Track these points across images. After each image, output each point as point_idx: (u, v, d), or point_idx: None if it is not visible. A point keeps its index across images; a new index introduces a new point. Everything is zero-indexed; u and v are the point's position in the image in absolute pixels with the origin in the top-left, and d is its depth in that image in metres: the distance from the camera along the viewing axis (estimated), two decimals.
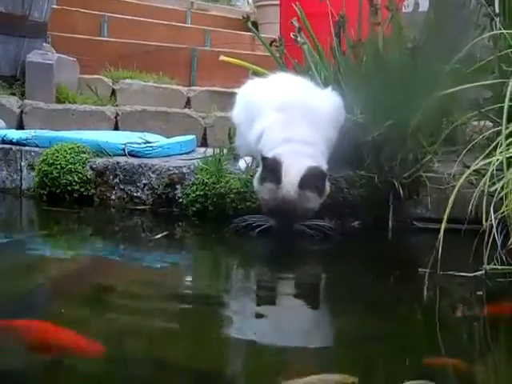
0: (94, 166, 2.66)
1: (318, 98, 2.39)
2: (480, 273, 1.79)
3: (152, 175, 2.58)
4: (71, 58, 4.15)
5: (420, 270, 1.85)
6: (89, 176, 2.64)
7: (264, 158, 2.17)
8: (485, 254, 1.75)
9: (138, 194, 2.60)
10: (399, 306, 1.72)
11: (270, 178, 2.14)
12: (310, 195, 2.15)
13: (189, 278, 1.99)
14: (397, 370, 1.27)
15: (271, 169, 2.14)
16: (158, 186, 2.56)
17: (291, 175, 2.13)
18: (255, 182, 2.23)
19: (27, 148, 2.88)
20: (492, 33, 2.39)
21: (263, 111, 2.34)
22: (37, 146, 2.89)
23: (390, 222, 2.37)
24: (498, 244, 1.77)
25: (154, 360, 1.27)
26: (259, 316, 1.61)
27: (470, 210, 1.88)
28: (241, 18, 4.69)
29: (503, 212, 1.79)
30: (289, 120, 2.28)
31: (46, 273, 1.93)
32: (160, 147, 2.87)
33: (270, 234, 2.16)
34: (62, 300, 1.66)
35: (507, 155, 1.84)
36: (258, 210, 2.26)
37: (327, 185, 2.21)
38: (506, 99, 1.90)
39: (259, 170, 2.21)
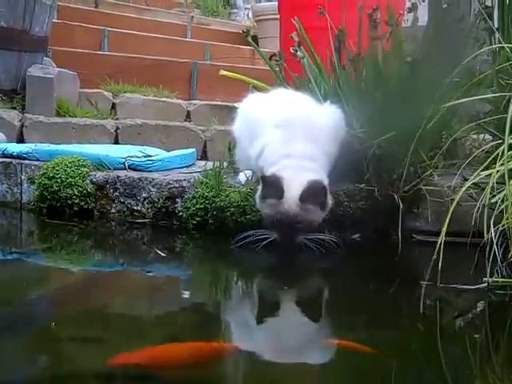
0: (95, 179, 2.67)
1: (317, 113, 2.40)
2: (482, 285, 1.79)
3: (152, 189, 2.58)
4: (71, 72, 4.16)
5: (422, 282, 1.86)
6: (89, 190, 2.65)
7: (263, 177, 2.19)
8: (487, 267, 1.75)
9: (138, 207, 2.60)
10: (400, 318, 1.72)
11: (272, 194, 2.15)
12: (311, 208, 2.15)
13: (188, 292, 1.99)
14: None
15: (272, 185, 2.16)
16: (158, 199, 2.56)
17: (292, 189, 2.14)
18: (257, 199, 2.24)
19: (27, 162, 2.88)
20: (491, 47, 2.40)
21: (263, 127, 2.35)
22: (37, 160, 2.89)
23: (400, 234, 2.36)
24: (499, 257, 1.78)
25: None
26: (256, 327, 1.61)
27: (471, 223, 1.88)
28: (241, 32, 4.72)
29: (503, 225, 1.79)
30: (288, 136, 2.29)
31: (46, 286, 1.93)
32: (160, 161, 2.87)
33: (274, 248, 2.15)
34: (59, 313, 1.66)
35: (509, 167, 1.84)
36: (259, 223, 2.26)
37: (329, 198, 2.22)
38: (510, 112, 1.90)
39: (260, 187, 2.22)
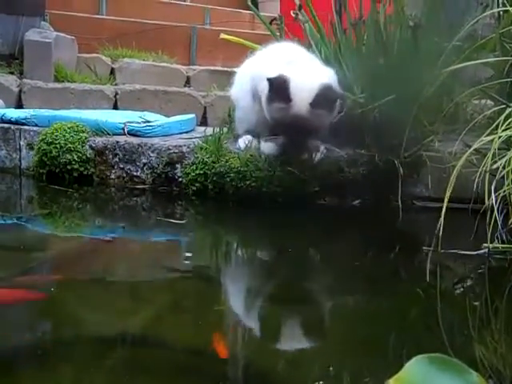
0: (94, 145, 2.65)
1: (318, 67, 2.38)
2: (482, 251, 1.79)
3: (152, 154, 2.57)
4: (69, 37, 4.11)
5: (424, 248, 1.86)
6: (88, 155, 2.63)
7: (269, 79, 2.12)
8: (487, 233, 1.75)
9: (138, 173, 2.59)
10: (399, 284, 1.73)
11: (279, 97, 2.12)
12: (322, 113, 2.14)
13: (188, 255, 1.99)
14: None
15: (279, 87, 2.11)
16: (158, 165, 2.55)
17: (302, 93, 2.10)
18: (264, 103, 2.20)
19: (26, 127, 2.86)
20: (494, 10, 2.36)
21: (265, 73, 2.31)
22: (36, 125, 2.87)
23: (400, 200, 2.36)
24: (499, 223, 1.77)
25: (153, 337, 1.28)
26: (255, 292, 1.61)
27: (472, 189, 1.88)
28: None
29: (504, 191, 1.79)
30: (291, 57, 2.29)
31: (46, 251, 1.93)
32: (160, 126, 2.85)
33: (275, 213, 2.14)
34: (58, 279, 1.66)
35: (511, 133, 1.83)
36: (259, 189, 2.25)
37: (338, 102, 2.21)
38: None
39: (266, 90, 2.17)
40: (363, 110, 2.39)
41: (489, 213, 1.77)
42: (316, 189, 2.38)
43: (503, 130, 1.85)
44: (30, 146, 2.79)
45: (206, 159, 2.43)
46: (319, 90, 2.12)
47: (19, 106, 3.67)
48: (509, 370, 1.18)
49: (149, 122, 2.89)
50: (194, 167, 2.45)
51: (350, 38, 2.59)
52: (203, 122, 3.93)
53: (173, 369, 1.15)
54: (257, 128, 2.40)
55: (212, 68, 4.53)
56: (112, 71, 4.25)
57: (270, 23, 2.93)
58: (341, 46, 2.61)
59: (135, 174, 2.60)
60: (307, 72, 2.23)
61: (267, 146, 2.33)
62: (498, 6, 2.36)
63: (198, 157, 2.46)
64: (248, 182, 2.34)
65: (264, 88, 2.22)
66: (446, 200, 1.82)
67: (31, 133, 2.81)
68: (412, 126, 2.35)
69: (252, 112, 2.39)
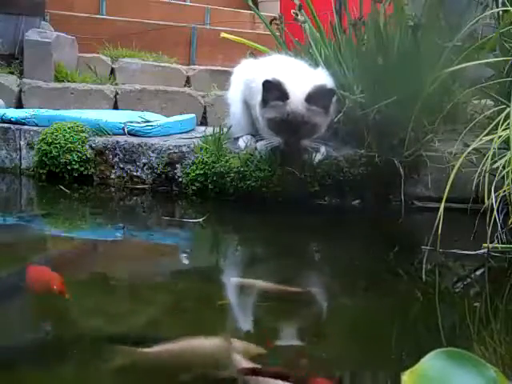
0: (94, 145, 2.66)
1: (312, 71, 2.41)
2: (482, 251, 1.79)
3: (152, 154, 2.57)
4: (70, 37, 4.11)
5: (423, 248, 1.86)
6: (88, 155, 2.64)
7: (265, 81, 2.20)
8: (487, 233, 1.75)
9: (138, 173, 2.59)
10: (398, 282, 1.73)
11: (275, 96, 2.19)
12: (317, 110, 2.20)
13: (187, 255, 1.99)
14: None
15: (275, 88, 2.19)
16: (158, 165, 2.55)
17: (297, 91, 2.19)
18: (258, 107, 2.27)
19: (26, 127, 2.86)
20: (495, 10, 2.36)
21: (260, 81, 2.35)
22: (36, 125, 2.88)
23: (402, 198, 2.36)
24: (499, 223, 1.77)
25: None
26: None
27: (471, 189, 1.88)
28: None
29: (504, 191, 1.79)
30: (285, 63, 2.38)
31: (46, 251, 1.93)
32: (160, 126, 2.86)
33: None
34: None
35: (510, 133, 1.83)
36: (259, 189, 2.25)
37: (333, 102, 2.28)
38: None
39: (260, 94, 2.24)
40: (363, 110, 2.39)
41: (489, 213, 1.77)
42: (316, 189, 2.39)
43: (503, 130, 1.85)
44: (30, 146, 2.79)
45: (206, 159, 2.43)
46: (313, 88, 2.20)
47: (19, 105, 3.67)
48: (509, 371, 1.18)
49: (149, 121, 2.89)
50: (194, 167, 2.45)
51: (350, 38, 2.59)
52: (203, 121, 3.93)
53: (173, 369, 1.15)
54: (251, 131, 2.46)
55: (212, 68, 4.53)
56: (112, 71, 4.25)
57: (270, 23, 2.93)
58: (341, 46, 2.62)
59: (135, 173, 2.60)
60: (301, 73, 2.32)
61: (260, 145, 2.38)
62: (498, 6, 2.36)
63: (198, 157, 2.46)
64: (248, 182, 2.35)
65: (256, 92, 2.29)
66: (444, 199, 1.82)
67: (31, 133, 2.81)
68: (412, 126, 2.35)
69: (244, 116, 2.47)
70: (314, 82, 2.22)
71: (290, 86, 2.19)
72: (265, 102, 2.23)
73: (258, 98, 2.28)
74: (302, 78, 2.28)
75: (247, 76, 2.46)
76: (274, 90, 2.19)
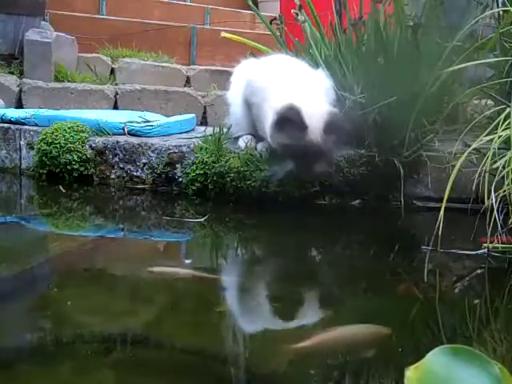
0: (94, 145, 2.66)
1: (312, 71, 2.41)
2: (482, 251, 1.79)
3: (152, 154, 2.57)
4: (70, 37, 4.11)
5: (423, 247, 1.86)
6: (88, 155, 2.64)
7: (280, 108, 2.15)
8: (487, 233, 1.75)
9: (138, 173, 2.59)
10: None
11: (290, 123, 2.14)
12: (333, 138, 2.17)
13: (188, 255, 1.99)
14: None
15: (290, 115, 2.14)
16: (158, 165, 2.55)
17: (315, 120, 2.14)
18: (269, 130, 2.22)
19: (26, 127, 2.86)
20: (494, 10, 2.37)
21: (261, 84, 2.35)
22: (36, 125, 2.88)
23: (402, 198, 2.36)
24: (499, 223, 1.77)
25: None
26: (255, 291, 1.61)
27: (471, 189, 1.88)
28: None
29: (504, 191, 1.79)
30: (291, 80, 2.32)
31: (46, 251, 1.93)
32: (160, 126, 2.86)
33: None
34: (60, 278, 1.66)
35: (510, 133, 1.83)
36: (259, 189, 2.25)
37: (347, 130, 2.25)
38: None
39: (272, 118, 2.19)
40: (363, 110, 2.39)
41: (489, 213, 1.77)
42: (316, 189, 2.39)
43: (503, 130, 1.85)
44: (30, 146, 2.79)
45: (206, 159, 2.43)
46: (329, 116, 2.16)
47: (19, 105, 3.67)
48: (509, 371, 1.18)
49: (149, 121, 2.89)
50: (194, 167, 2.45)
51: (350, 38, 2.59)
52: (203, 121, 3.93)
53: (173, 369, 1.15)
54: (251, 131, 2.46)
55: (212, 68, 4.53)
56: (112, 71, 4.25)
57: (271, 23, 2.93)
58: (341, 46, 2.62)
59: (135, 173, 2.60)
60: (315, 92, 2.28)
61: (260, 145, 2.38)
62: (498, 6, 2.37)
63: (198, 157, 2.46)
64: (248, 182, 2.35)
65: (259, 91, 2.28)
66: (445, 199, 1.82)
67: (31, 133, 2.81)
68: (412, 126, 2.35)
69: (244, 115, 2.46)
70: (329, 109, 2.19)
71: (308, 115, 2.14)
72: (279, 127, 2.18)
73: (269, 120, 2.24)
74: (317, 101, 2.24)
75: (249, 76, 2.45)
76: (290, 118, 2.14)
